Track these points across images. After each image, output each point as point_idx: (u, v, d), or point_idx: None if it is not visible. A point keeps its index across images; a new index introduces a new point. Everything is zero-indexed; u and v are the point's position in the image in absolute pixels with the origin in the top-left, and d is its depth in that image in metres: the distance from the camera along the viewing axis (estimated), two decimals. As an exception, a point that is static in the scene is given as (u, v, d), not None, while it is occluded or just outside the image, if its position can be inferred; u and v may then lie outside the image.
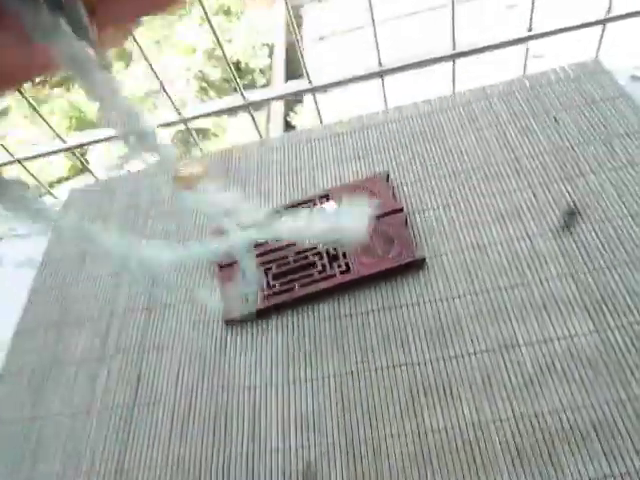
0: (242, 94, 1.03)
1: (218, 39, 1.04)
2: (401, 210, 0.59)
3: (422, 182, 0.63)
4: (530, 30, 1.05)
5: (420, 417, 0.47)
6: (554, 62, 0.80)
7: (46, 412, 0.59)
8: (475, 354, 0.49)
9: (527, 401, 0.46)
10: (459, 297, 0.53)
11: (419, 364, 0.50)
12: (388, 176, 0.63)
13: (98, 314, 0.65)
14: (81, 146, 1.22)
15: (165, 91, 1.11)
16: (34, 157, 1.19)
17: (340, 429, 0.48)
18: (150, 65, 1.05)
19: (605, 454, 0.42)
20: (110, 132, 1.16)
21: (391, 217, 0.59)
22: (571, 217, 0.53)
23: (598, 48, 0.97)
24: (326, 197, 0.63)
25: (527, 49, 1.08)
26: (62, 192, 0.86)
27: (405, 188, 0.63)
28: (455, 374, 0.49)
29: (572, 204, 0.55)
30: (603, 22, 0.99)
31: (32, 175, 1.36)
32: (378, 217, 0.59)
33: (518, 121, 0.66)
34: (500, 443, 0.44)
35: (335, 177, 0.67)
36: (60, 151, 1.18)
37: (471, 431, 0.45)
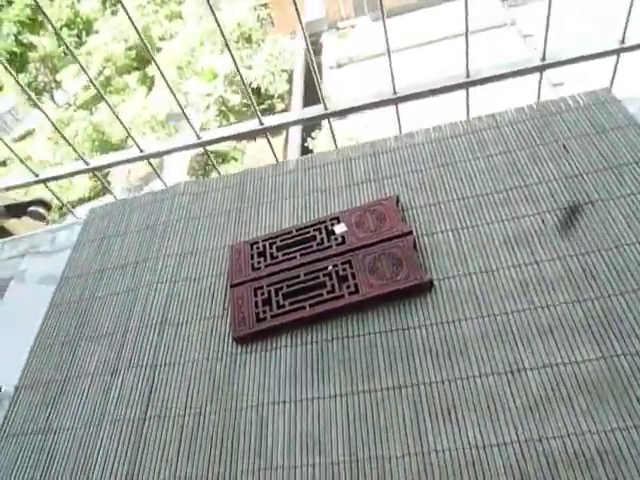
0: (259, 119, 1.06)
1: (237, 67, 1.08)
2: (410, 233, 0.60)
3: (431, 206, 0.65)
4: (544, 60, 1.07)
5: (425, 438, 0.48)
6: (574, 89, 0.81)
7: (59, 425, 0.61)
8: (480, 377, 0.50)
9: (532, 425, 0.46)
10: (466, 320, 0.54)
11: (425, 385, 0.51)
12: (398, 199, 0.64)
13: (113, 329, 0.67)
14: (102, 168, 1.26)
15: (185, 116, 1.15)
16: (57, 177, 1.24)
17: (345, 448, 0.48)
18: (171, 90, 1.10)
19: (610, 481, 0.42)
20: (131, 154, 1.20)
21: (400, 240, 0.60)
22: (571, 216, 0.54)
23: (612, 78, 0.98)
24: (337, 219, 0.65)
25: (540, 78, 1.10)
26: (83, 212, 0.89)
27: (415, 211, 0.65)
28: (460, 396, 0.49)
29: (572, 203, 0.55)
30: (617, 52, 1.01)
31: (55, 195, 1.41)
32: (389, 239, 0.60)
33: (528, 148, 0.67)
34: (504, 466, 0.44)
35: (346, 200, 0.69)
36: (83, 172, 1.22)
37: (475, 453, 0.46)
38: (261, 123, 1.06)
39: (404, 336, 0.55)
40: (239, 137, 1.25)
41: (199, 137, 1.18)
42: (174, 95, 1.11)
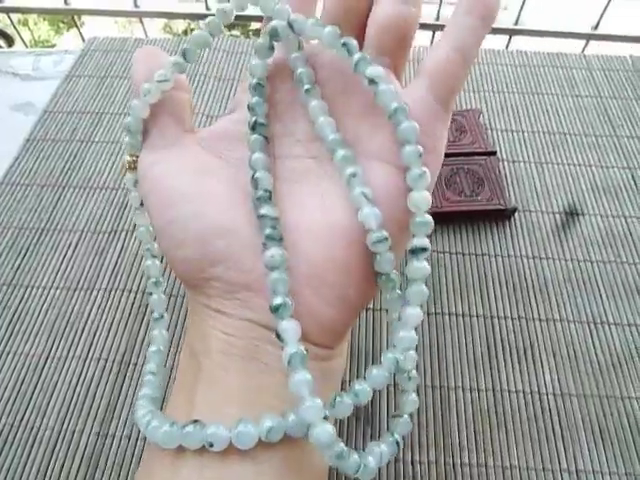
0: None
1: None
2: (494, 153, 0.53)
3: (514, 132, 0.57)
4: (596, 28, 1.01)
5: (496, 375, 0.42)
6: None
7: (33, 281, 0.49)
8: (561, 321, 0.45)
9: (614, 382, 0.42)
10: (547, 259, 0.48)
11: (498, 319, 0.45)
12: (480, 114, 0.56)
13: (115, 182, 0.55)
14: (83, 13, 1.06)
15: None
16: (25, 10, 1.02)
17: (405, 369, 0.42)
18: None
19: (692, 452, 0.39)
20: (123, 6, 1.02)
21: (482, 158, 0.52)
22: (570, 217, 0.49)
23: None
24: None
25: (586, 44, 1.04)
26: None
27: (495, 134, 0.57)
28: (538, 337, 0.44)
29: (572, 204, 0.51)
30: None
31: (17, 31, 1.18)
32: (469, 154, 0.53)
33: (620, 99, 0.61)
34: (582, 419, 0.40)
35: (417, 103, 0.60)
36: (58, 12, 1.02)
37: (552, 400, 0.41)
38: None
39: (477, 262, 0.48)
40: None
41: (208, 8, 1.02)
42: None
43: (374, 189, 0.23)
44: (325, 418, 0.21)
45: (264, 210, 0.22)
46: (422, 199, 0.22)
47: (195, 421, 0.20)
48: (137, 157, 0.26)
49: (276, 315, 0.21)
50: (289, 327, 0.21)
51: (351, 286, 0.23)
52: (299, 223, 0.23)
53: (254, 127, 0.24)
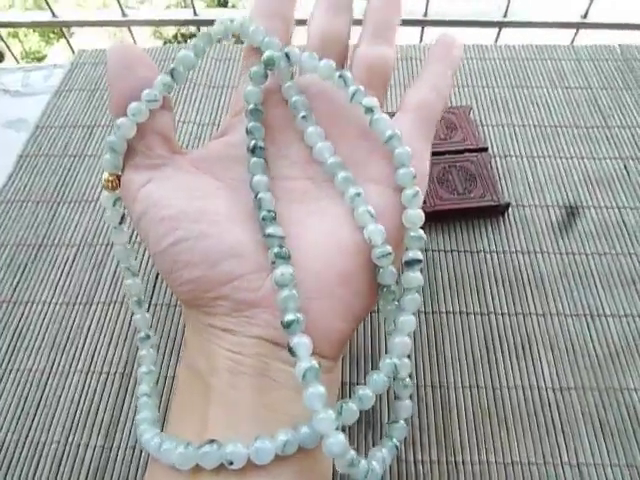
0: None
1: None
2: (486, 149, 0.53)
3: (505, 127, 0.57)
4: (585, 17, 1.01)
5: (495, 371, 0.42)
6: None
7: (33, 297, 0.49)
8: (558, 315, 0.45)
9: (612, 374, 0.42)
10: (542, 253, 0.49)
11: (495, 315, 0.45)
12: (471, 110, 0.56)
13: None
14: (72, 24, 1.07)
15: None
16: (12, 24, 1.03)
17: (404, 370, 0.42)
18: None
19: (692, 440, 0.39)
20: (112, 15, 1.02)
21: (474, 155, 0.52)
22: (570, 216, 0.49)
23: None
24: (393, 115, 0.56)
25: (576, 34, 1.05)
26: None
27: (486, 129, 0.57)
28: (535, 332, 0.44)
29: (572, 203, 0.51)
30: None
31: (6, 45, 1.19)
32: (461, 152, 0.53)
33: (610, 89, 0.61)
34: (582, 412, 0.40)
35: (407, 102, 0.60)
36: (46, 24, 1.03)
37: (551, 394, 0.41)
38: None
39: (472, 259, 0.48)
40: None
41: (196, 13, 1.02)
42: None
43: (373, 208, 0.25)
44: (337, 428, 0.22)
45: (270, 230, 0.23)
46: (416, 216, 0.25)
47: (212, 441, 0.20)
48: (117, 176, 0.26)
49: (288, 331, 0.21)
50: (301, 342, 0.21)
51: (356, 298, 0.24)
52: (302, 240, 0.24)
53: (254, 150, 0.25)
